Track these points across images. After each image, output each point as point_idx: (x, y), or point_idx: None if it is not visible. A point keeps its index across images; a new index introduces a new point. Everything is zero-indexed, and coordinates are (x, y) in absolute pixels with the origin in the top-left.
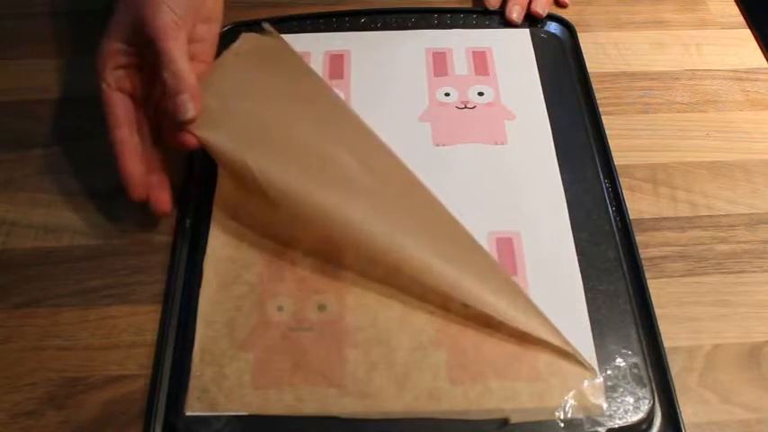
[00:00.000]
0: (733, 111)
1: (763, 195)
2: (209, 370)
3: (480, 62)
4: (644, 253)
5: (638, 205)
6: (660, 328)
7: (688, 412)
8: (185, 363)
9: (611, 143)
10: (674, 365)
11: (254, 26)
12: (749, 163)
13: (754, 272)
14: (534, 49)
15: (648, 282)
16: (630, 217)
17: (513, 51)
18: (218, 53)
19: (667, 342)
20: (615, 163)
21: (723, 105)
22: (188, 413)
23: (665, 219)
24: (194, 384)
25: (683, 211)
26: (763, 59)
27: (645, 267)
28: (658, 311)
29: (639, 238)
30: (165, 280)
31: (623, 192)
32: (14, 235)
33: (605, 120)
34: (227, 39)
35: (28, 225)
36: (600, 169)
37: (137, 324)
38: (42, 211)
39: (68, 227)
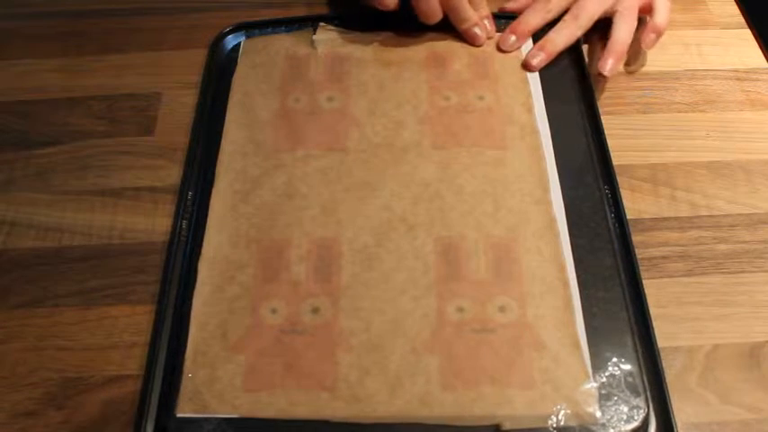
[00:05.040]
0: (733, 111)
1: (763, 195)
2: (201, 372)
3: (481, 65)
4: (644, 253)
5: (638, 205)
6: (660, 328)
7: (688, 412)
8: (178, 364)
9: (611, 143)
10: (674, 365)
11: (254, 26)
12: (749, 163)
13: (754, 272)
14: None
15: (648, 282)
16: (630, 217)
17: (513, 54)
18: (215, 53)
19: (667, 342)
20: (615, 163)
21: (723, 105)
22: (179, 415)
23: (665, 219)
24: (186, 386)
25: (683, 211)
26: (763, 59)
27: (645, 267)
28: (658, 311)
29: (639, 239)
30: (160, 280)
31: (623, 193)
32: (14, 235)
33: (605, 120)
34: (227, 39)
35: (28, 225)
36: (599, 174)
37: (136, 324)
38: (42, 211)
39: (68, 227)
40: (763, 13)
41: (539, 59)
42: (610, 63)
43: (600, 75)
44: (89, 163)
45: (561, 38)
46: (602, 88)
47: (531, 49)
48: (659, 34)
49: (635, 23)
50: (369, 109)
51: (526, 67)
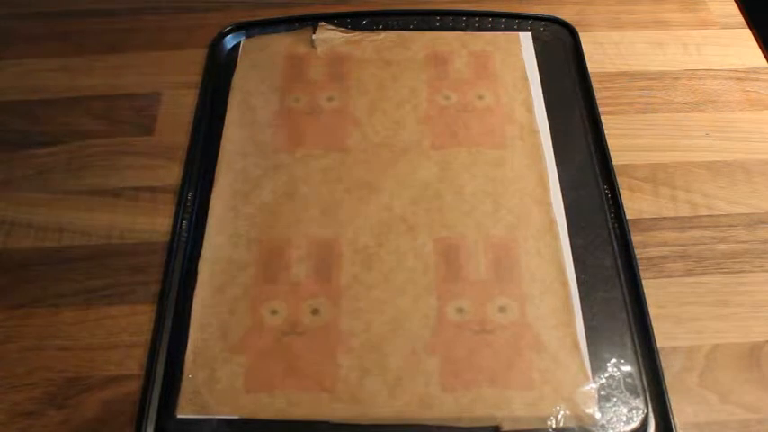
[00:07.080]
0: (733, 111)
1: (763, 195)
2: (201, 373)
3: (481, 65)
4: (644, 253)
5: (637, 205)
6: (660, 328)
7: (687, 412)
8: (178, 364)
9: (611, 143)
10: (674, 365)
11: (254, 26)
12: (749, 163)
13: (754, 272)
14: (535, 51)
15: (648, 282)
16: (630, 217)
17: (514, 54)
18: (215, 53)
19: (667, 342)
20: (615, 163)
21: (723, 105)
22: (179, 416)
23: (665, 219)
24: (186, 387)
25: (683, 211)
26: (763, 59)
27: (644, 267)
28: (658, 311)
29: (639, 238)
30: (160, 280)
31: (623, 193)
32: (14, 235)
33: (605, 120)
34: (226, 39)
35: (28, 225)
36: (599, 174)
37: (136, 324)
38: (42, 211)
39: (68, 227)
40: (763, 13)
41: None
42: None
43: None
44: (89, 163)
45: None
46: (602, 88)
47: None
48: None
49: None
50: (369, 109)
51: None
